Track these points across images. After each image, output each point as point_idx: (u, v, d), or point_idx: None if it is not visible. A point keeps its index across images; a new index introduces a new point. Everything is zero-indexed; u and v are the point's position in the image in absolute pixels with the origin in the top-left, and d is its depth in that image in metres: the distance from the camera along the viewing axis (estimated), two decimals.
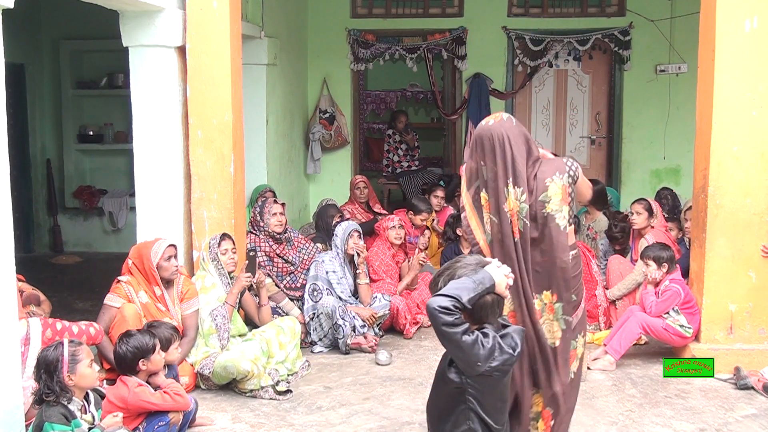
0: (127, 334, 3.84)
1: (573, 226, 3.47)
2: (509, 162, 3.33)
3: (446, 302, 2.50)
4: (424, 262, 6.14)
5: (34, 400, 3.42)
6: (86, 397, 3.50)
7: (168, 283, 4.72)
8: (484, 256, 3.11)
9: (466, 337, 2.52)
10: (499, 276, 2.72)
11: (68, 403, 3.37)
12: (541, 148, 3.57)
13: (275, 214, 5.71)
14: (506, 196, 3.34)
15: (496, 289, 2.69)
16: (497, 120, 3.39)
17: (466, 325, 2.55)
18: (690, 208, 5.94)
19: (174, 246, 4.75)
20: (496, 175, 3.35)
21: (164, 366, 3.93)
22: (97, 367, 3.53)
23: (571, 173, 3.40)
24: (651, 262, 5.12)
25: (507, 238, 3.35)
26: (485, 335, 2.60)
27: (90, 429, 3.41)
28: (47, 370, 3.36)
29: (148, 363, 3.77)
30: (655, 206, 6.11)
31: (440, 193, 7.74)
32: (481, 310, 2.66)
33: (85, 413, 3.46)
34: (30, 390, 3.55)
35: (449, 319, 2.48)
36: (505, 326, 2.78)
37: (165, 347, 3.96)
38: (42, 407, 3.36)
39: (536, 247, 3.37)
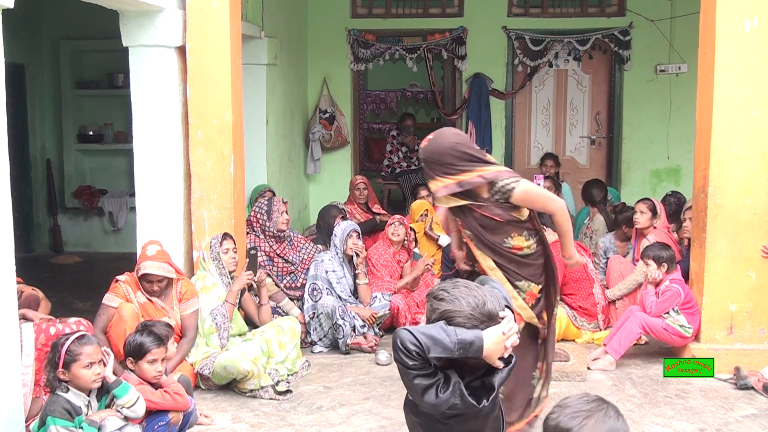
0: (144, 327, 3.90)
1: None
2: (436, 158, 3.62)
3: (411, 346, 2.24)
4: (430, 267, 6.10)
5: (48, 385, 3.51)
6: (89, 393, 3.53)
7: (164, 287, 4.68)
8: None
9: (419, 381, 2.28)
10: (494, 343, 2.31)
11: (65, 392, 3.41)
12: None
13: (283, 212, 5.74)
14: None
15: (486, 358, 2.31)
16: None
17: (425, 371, 2.28)
18: (689, 207, 5.93)
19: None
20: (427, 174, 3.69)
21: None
22: (98, 370, 3.50)
23: (502, 189, 3.62)
24: (651, 262, 5.13)
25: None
26: (447, 380, 2.30)
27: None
28: (50, 361, 3.45)
29: (136, 366, 3.76)
30: (659, 207, 6.11)
31: (425, 192, 7.40)
32: (462, 367, 2.35)
33: (90, 409, 3.49)
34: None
35: (407, 361, 2.26)
36: (492, 371, 2.38)
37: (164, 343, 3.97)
38: (48, 399, 3.43)
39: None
